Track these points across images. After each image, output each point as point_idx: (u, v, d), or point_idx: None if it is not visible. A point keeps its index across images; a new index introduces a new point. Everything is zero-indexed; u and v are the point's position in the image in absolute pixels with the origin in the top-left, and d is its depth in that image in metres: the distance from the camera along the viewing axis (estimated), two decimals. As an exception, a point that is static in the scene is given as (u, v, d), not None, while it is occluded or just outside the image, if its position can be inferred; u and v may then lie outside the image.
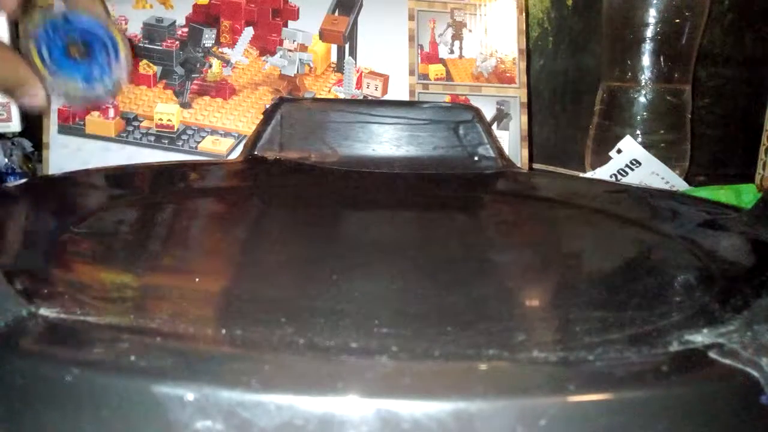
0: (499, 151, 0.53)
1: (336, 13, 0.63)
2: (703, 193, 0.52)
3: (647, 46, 0.60)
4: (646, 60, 0.60)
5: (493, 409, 0.18)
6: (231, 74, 0.62)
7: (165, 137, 0.60)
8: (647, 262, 0.36)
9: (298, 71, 0.62)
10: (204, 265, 0.33)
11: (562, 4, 0.76)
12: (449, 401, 0.17)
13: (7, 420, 0.18)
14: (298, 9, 0.63)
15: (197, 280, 0.30)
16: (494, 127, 0.62)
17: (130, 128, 0.60)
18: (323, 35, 0.63)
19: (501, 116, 0.63)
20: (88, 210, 0.37)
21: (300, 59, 0.62)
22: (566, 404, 0.18)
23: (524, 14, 0.65)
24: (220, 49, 0.62)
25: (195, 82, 0.61)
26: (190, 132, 0.61)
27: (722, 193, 0.51)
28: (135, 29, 0.61)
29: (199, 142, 0.60)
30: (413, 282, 0.31)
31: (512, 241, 0.40)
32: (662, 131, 0.61)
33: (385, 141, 0.53)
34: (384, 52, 0.63)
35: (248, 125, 0.60)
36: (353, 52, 0.63)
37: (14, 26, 0.61)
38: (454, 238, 0.39)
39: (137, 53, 0.61)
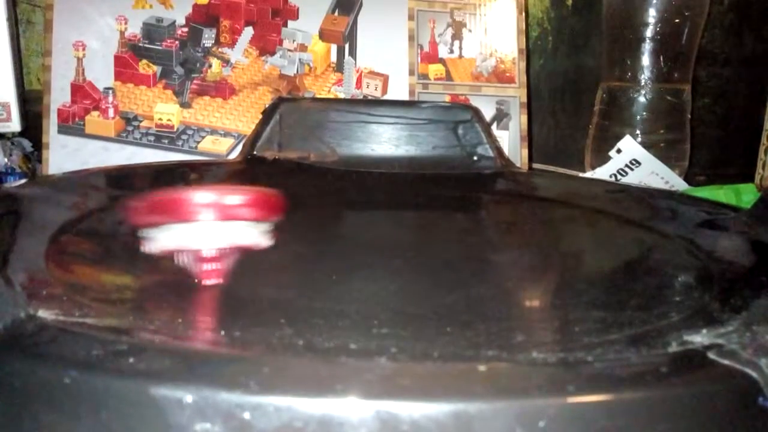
0: (498, 150, 0.53)
1: (336, 13, 0.63)
2: (703, 193, 0.52)
3: (647, 46, 0.60)
4: (645, 60, 0.60)
5: (493, 410, 0.18)
6: (231, 74, 0.62)
7: (165, 137, 0.60)
8: (646, 262, 0.36)
9: (297, 71, 0.62)
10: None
11: (562, 4, 0.76)
12: (448, 402, 0.17)
13: (6, 422, 0.18)
14: (297, 9, 0.63)
15: (196, 281, 0.30)
16: (494, 126, 0.62)
17: (130, 128, 0.60)
18: (323, 35, 0.63)
19: (501, 116, 0.63)
20: (87, 211, 0.37)
21: (300, 59, 0.62)
22: (566, 405, 0.18)
23: (524, 14, 0.65)
24: (219, 49, 0.62)
25: (195, 81, 0.61)
26: (189, 132, 0.61)
27: (722, 193, 0.51)
28: (135, 29, 0.61)
29: (198, 142, 0.60)
30: (412, 282, 0.31)
31: (511, 242, 0.40)
32: (662, 131, 0.61)
33: (385, 141, 0.53)
34: (384, 52, 0.63)
35: (248, 125, 0.60)
36: (353, 52, 0.63)
37: (14, 26, 0.61)
38: (453, 238, 0.39)
39: (137, 53, 0.61)
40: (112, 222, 0.37)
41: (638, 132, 0.61)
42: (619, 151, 0.59)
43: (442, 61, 0.64)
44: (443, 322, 0.25)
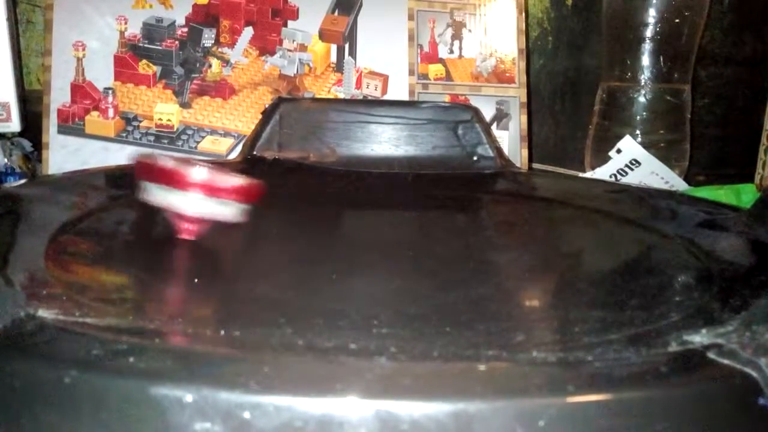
0: (498, 151, 0.53)
1: (336, 13, 0.63)
2: (703, 192, 0.52)
3: (647, 46, 0.60)
4: (645, 60, 0.60)
5: (492, 409, 0.18)
6: (230, 74, 0.62)
7: (164, 137, 0.60)
8: (646, 262, 0.36)
9: (297, 71, 0.62)
10: (203, 265, 0.33)
11: (562, 4, 0.76)
12: (448, 402, 0.17)
13: (6, 422, 0.18)
14: (297, 9, 0.63)
15: (196, 281, 0.30)
16: (494, 127, 0.62)
17: (130, 128, 0.60)
18: (323, 35, 0.63)
19: (500, 116, 0.63)
20: (87, 210, 0.37)
21: (300, 59, 0.62)
22: (565, 405, 0.18)
23: (524, 14, 0.65)
24: (219, 49, 0.62)
25: (194, 82, 0.61)
26: (189, 132, 0.61)
27: (721, 193, 0.51)
28: (135, 29, 0.61)
29: (198, 142, 0.60)
30: (412, 282, 0.31)
31: (511, 241, 0.40)
32: (662, 131, 0.61)
33: (384, 141, 0.53)
34: (384, 52, 0.63)
35: (248, 125, 0.60)
36: (353, 52, 0.63)
37: (14, 26, 0.61)
38: (452, 238, 0.39)
39: (137, 53, 0.61)
40: (112, 221, 0.37)
41: (638, 132, 0.61)
42: (619, 151, 0.59)
43: (441, 61, 0.64)
44: (443, 322, 0.25)
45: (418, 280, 0.31)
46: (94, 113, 0.60)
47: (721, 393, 0.19)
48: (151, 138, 0.60)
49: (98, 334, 0.21)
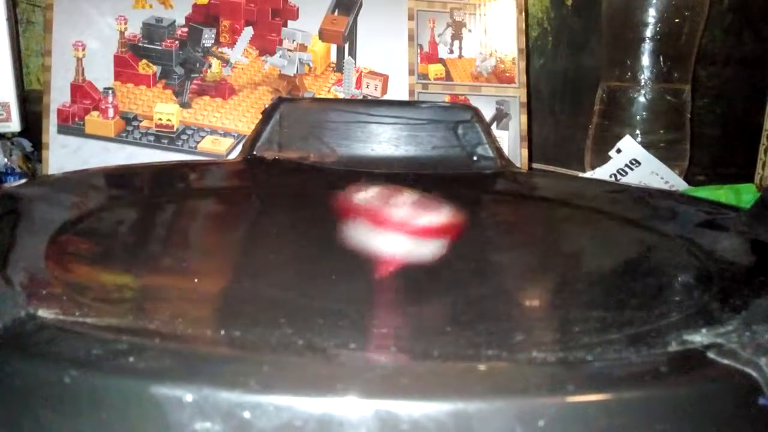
0: (498, 151, 0.53)
1: (335, 13, 0.63)
2: (703, 192, 0.52)
3: (647, 46, 0.60)
4: (645, 60, 0.60)
5: (492, 409, 0.18)
6: (230, 74, 0.62)
7: (164, 137, 0.60)
8: (646, 262, 0.36)
9: (297, 71, 0.62)
10: (203, 265, 0.33)
11: (562, 4, 0.76)
12: (448, 402, 0.17)
13: (6, 422, 0.18)
14: (297, 9, 0.63)
15: (196, 280, 0.30)
16: (494, 127, 0.62)
17: (130, 128, 0.60)
18: (323, 35, 0.63)
19: (500, 116, 0.63)
20: (87, 210, 0.37)
21: (299, 59, 0.62)
22: (565, 405, 0.18)
23: (524, 14, 0.65)
24: (219, 49, 0.62)
25: (194, 81, 0.61)
26: (189, 132, 0.61)
27: (721, 193, 0.51)
28: (135, 29, 0.61)
29: (198, 142, 0.60)
30: (412, 282, 0.31)
31: (511, 242, 0.40)
32: (662, 131, 0.61)
33: (384, 141, 0.53)
34: (383, 52, 0.63)
35: (248, 125, 0.60)
36: (353, 52, 0.63)
37: (14, 26, 0.61)
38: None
39: (137, 53, 0.61)
40: (112, 221, 0.37)
41: (638, 132, 0.61)
42: (619, 151, 0.59)
43: (441, 61, 0.64)
44: (443, 321, 0.25)
45: (417, 279, 0.31)
46: (94, 113, 0.60)
47: (721, 393, 0.19)
48: (151, 138, 0.60)
49: (98, 334, 0.21)
